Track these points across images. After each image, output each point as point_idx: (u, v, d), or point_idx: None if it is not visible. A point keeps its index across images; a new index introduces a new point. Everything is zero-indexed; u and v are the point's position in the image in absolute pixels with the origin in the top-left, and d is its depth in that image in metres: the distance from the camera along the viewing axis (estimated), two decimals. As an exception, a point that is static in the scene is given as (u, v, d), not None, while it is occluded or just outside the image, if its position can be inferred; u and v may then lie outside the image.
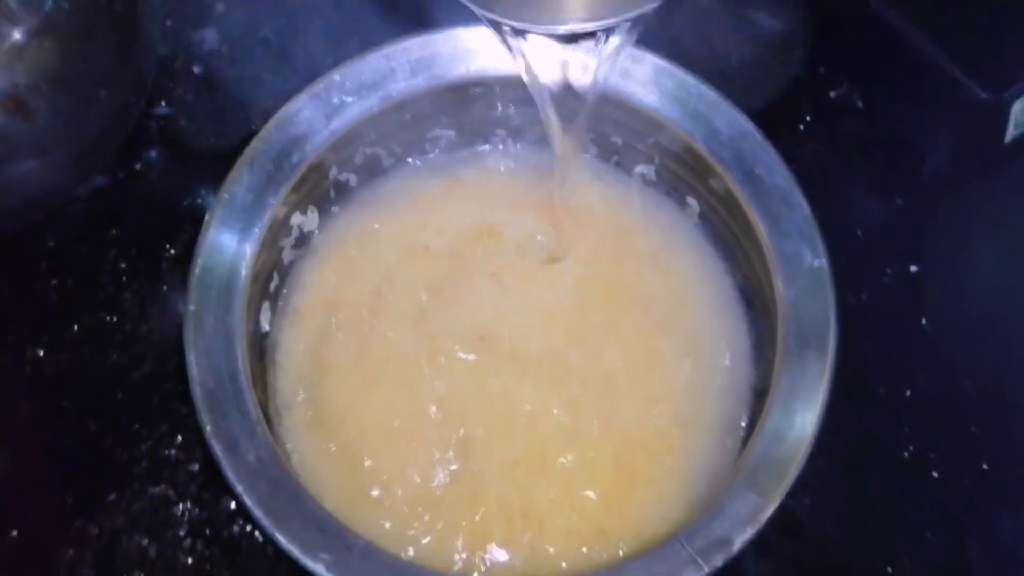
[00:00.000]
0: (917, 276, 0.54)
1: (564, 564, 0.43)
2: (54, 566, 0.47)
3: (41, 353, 0.51)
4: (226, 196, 0.42)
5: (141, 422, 0.50)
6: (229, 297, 0.40)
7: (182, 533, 0.48)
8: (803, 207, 0.43)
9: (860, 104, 0.59)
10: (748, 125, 0.44)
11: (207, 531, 0.48)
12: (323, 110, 0.44)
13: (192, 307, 0.39)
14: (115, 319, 0.52)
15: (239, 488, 0.36)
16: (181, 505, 0.48)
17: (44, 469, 0.49)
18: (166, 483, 0.49)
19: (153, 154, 0.56)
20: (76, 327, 0.52)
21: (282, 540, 0.35)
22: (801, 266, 0.42)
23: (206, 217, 0.42)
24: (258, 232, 0.42)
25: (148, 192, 0.56)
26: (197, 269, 0.40)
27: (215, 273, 0.41)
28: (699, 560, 0.35)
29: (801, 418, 0.39)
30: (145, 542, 0.48)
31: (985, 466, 0.50)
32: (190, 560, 0.47)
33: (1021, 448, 0.50)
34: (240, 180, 0.42)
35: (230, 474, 0.36)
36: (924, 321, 0.53)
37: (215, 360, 0.39)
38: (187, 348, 0.39)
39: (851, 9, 0.62)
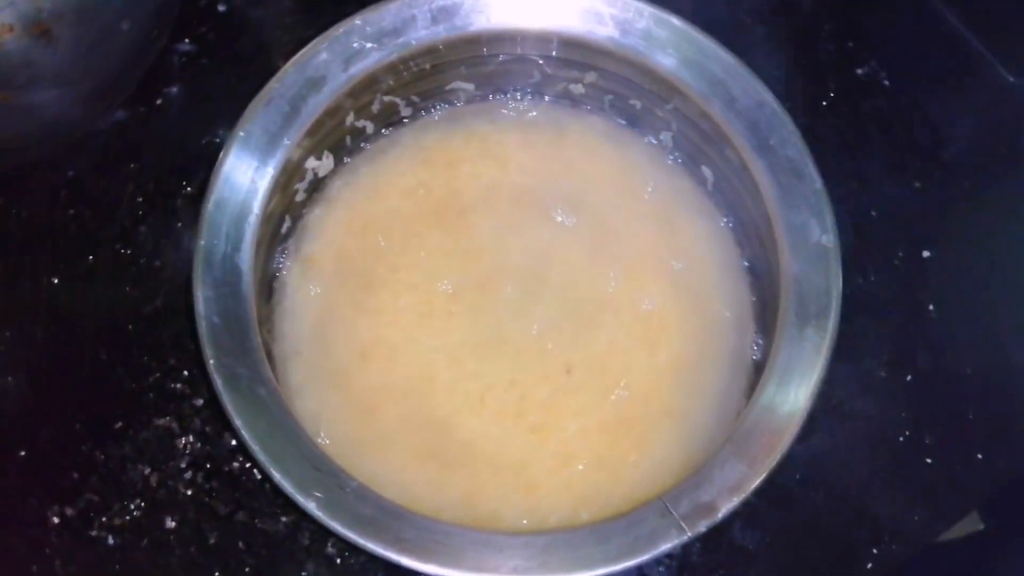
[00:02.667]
0: (928, 261, 0.54)
1: (553, 519, 0.44)
2: (59, 488, 0.48)
3: (56, 281, 0.52)
4: (241, 134, 0.42)
5: (150, 355, 0.51)
6: (239, 235, 0.41)
7: (183, 465, 0.49)
8: (815, 180, 0.43)
9: (886, 82, 0.58)
10: (767, 95, 0.44)
11: (208, 465, 0.49)
12: (342, 54, 0.44)
13: (202, 241, 0.40)
14: (129, 252, 0.53)
15: (238, 422, 0.37)
16: (184, 438, 0.49)
17: (55, 394, 0.50)
18: (171, 416, 0.50)
19: (174, 90, 0.56)
20: (91, 258, 0.53)
21: (276, 476, 0.36)
22: (808, 240, 0.42)
23: (220, 153, 0.42)
24: (272, 172, 0.42)
25: (167, 128, 0.56)
26: (209, 204, 0.41)
27: (226, 210, 0.41)
28: (683, 524, 0.36)
29: (796, 392, 0.39)
30: (147, 471, 0.49)
31: (980, 456, 0.50)
32: (189, 492, 0.49)
33: (1018, 440, 0.50)
34: (256, 119, 0.43)
35: (230, 408, 0.37)
36: (931, 307, 0.53)
37: (222, 296, 0.39)
38: (195, 282, 0.39)
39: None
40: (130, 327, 0.51)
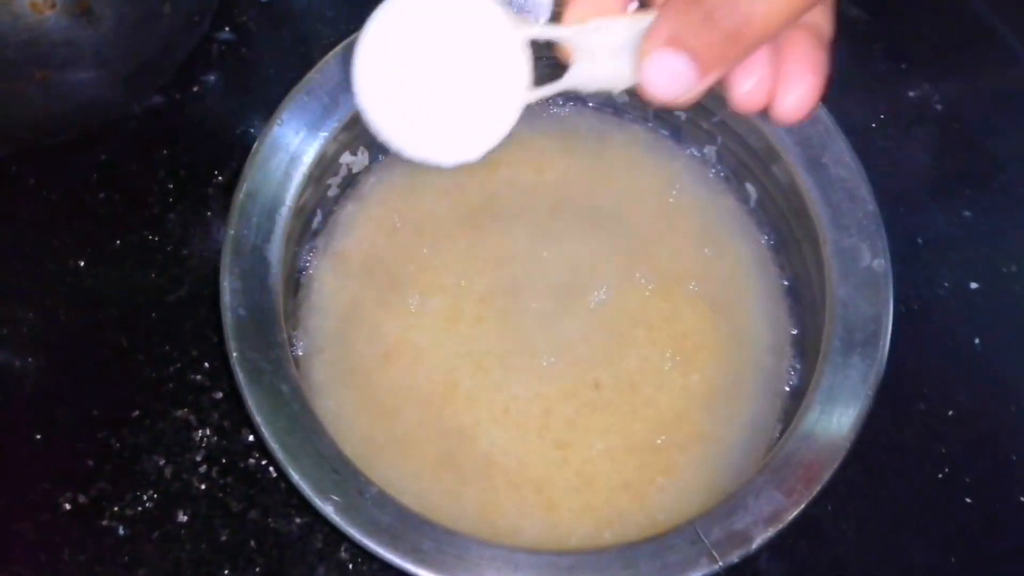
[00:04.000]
0: (975, 293, 0.52)
1: (573, 540, 0.42)
2: (72, 474, 0.47)
3: (82, 264, 0.52)
4: (279, 123, 0.41)
5: (172, 344, 0.50)
6: (270, 226, 0.40)
7: (199, 458, 0.48)
8: (868, 202, 0.41)
9: (938, 107, 0.56)
10: (820, 110, 0.43)
11: (223, 460, 0.48)
12: (385, 49, 0.43)
13: (232, 231, 0.39)
14: (157, 239, 0.52)
15: (258, 418, 0.36)
16: (201, 431, 0.49)
17: (74, 378, 0.50)
18: (189, 407, 0.49)
19: (211, 78, 0.56)
20: (119, 242, 0.52)
21: (294, 476, 0.35)
22: (858, 264, 0.40)
23: (256, 142, 0.41)
24: (306, 164, 0.41)
25: (202, 116, 0.55)
26: (242, 194, 0.40)
27: (258, 200, 0.40)
28: (714, 553, 0.34)
29: (839, 421, 0.38)
30: (162, 463, 0.48)
31: (1022, 499, 0.48)
32: (203, 486, 0.48)
33: (1062, 482, 0.48)
34: (294, 109, 0.42)
35: (250, 403, 0.36)
36: (977, 340, 0.51)
37: (249, 288, 0.38)
38: (222, 272, 0.38)
39: (947, 8, 0.60)
40: (153, 315, 0.51)
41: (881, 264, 0.40)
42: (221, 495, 0.47)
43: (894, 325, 0.51)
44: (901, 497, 0.48)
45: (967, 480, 0.48)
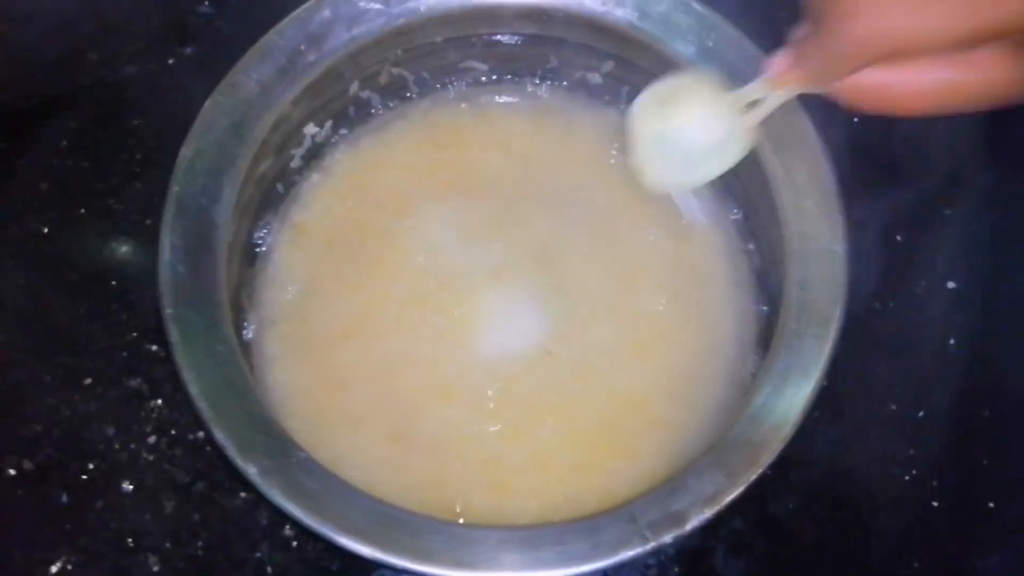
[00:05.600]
0: (952, 293, 0.51)
1: (521, 521, 0.41)
2: (19, 439, 0.46)
3: (46, 230, 0.51)
4: (232, 83, 0.40)
5: (130, 313, 0.49)
6: (218, 186, 0.39)
7: (148, 429, 0.47)
8: (829, 183, 0.40)
9: (924, 103, 0.55)
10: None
11: (173, 431, 0.47)
12: (347, 14, 0.42)
13: (176, 188, 0.38)
14: (122, 208, 0.52)
15: (186, 375, 0.35)
16: (153, 402, 0.48)
17: (28, 343, 0.49)
18: (143, 377, 0.48)
19: (187, 51, 0.55)
20: (83, 210, 0.52)
21: (218, 435, 0.34)
22: (816, 246, 0.39)
23: (208, 100, 0.41)
24: (262, 126, 0.40)
25: (176, 88, 0.55)
26: (189, 150, 0.39)
27: (206, 158, 0.39)
28: (646, 533, 0.33)
29: (787, 403, 0.36)
30: (111, 432, 0.47)
31: (991, 504, 0.47)
32: (151, 457, 0.47)
33: (1033, 489, 0.47)
34: (249, 69, 0.41)
35: (180, 359, 0.35)
36: (952, 341, 0.50)
37: (190, 246, 0.37)
38: (163, 228, 0.37)
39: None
40: (113, 283, 0.50)
41: (839, 245, 0.39)
42: (168, 467, 0.47)
43: (867, 322, 0.50)
44: (866, 499, 0.47)
45: (935, 484, 0.47)
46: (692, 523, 0.33)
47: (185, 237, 0.37)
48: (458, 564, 0.32)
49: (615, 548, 0.33)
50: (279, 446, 0.35)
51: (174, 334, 0.36)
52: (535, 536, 0.34)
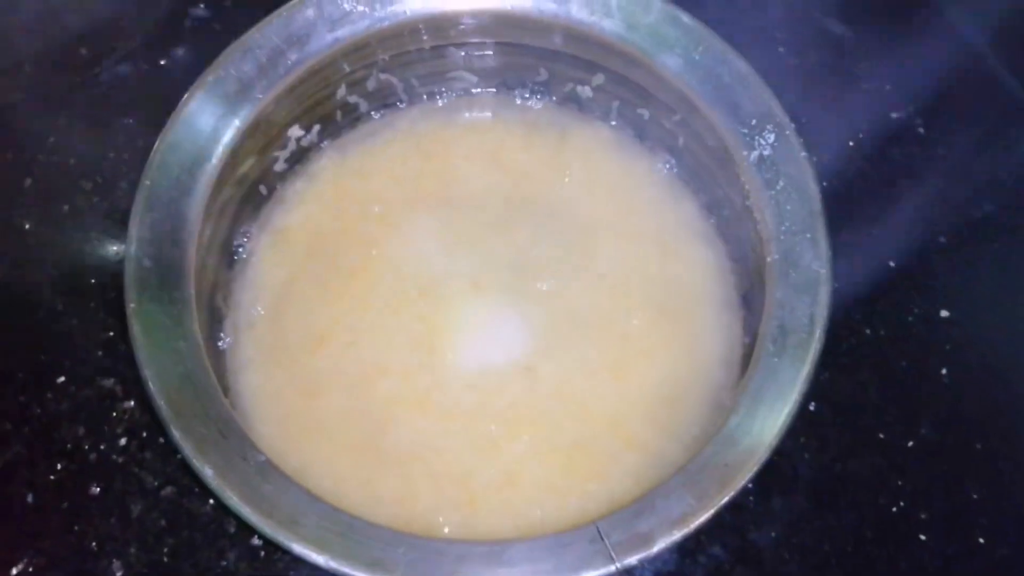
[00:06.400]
0: (945, 322, 0.49)
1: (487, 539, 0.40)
2: (-13, 436, 0.46)
3: (28, 226, 0.51)
4: (211, 78, 0.40)
5: (108, 311, 0.49)
6: (191, 181, 0.38)
7: (119, 431, 0.46)
8: (814, 202, 0.39)
9: (921, 130, 0.54)
10: (775, 105, 0.41)
11: (144, 434, 0.46)
12: (330, 15, 0.42)
13: (147, 181, 0.38)
14: (107, 205, 0.51)
15: (146, 372, 0.34)
16: (125, 403, 0.47)
17: (2, 339, 0.48)
18: (116, 378, 0.47)
19: (180, 52, 0.55)
20: (66, 207, 0.51)
21: (175, 434, 0.33)
22: (798, 265, 0.38)
23: (185, 94, 0.40)
24: (239, 124, 0.40)
25: (167, 89, 0.53)
26: (162, 144, 0.38)
27: (181, 151, 0.39)
28: (612, 553, 0.31)
29: (762, 425, 0.35)
30: (81, 432, 0.46)
31: (981, 540, 0.45)
32: (120, 459, 0.46)
33: None
34: (229, 64, 0.40)
35: (141, 356, 0.34)
36: (944, 371, 0.48)
37: (158, 239, 0.37)
38: (131, 220, 0.37)
39: (937, 32, 0.58)
40: (92, 280, 0.50)
41: (821, 265, 0.38)
42: (137, 470, 0.46)
43: (857, 348, 0.49)
44: (850, 529, 0.45)
45: (923, 516, 0.45)
46: (659, 545, 0.32)
47: (152, 229, 0.37)
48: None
49: (579, 567, 0.32)
50: (239, 448, 0.34)
51: (136, 329, 0.35)
52: (496, 552, 0.32)
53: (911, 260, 0.51)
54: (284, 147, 0.46)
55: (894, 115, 0.55)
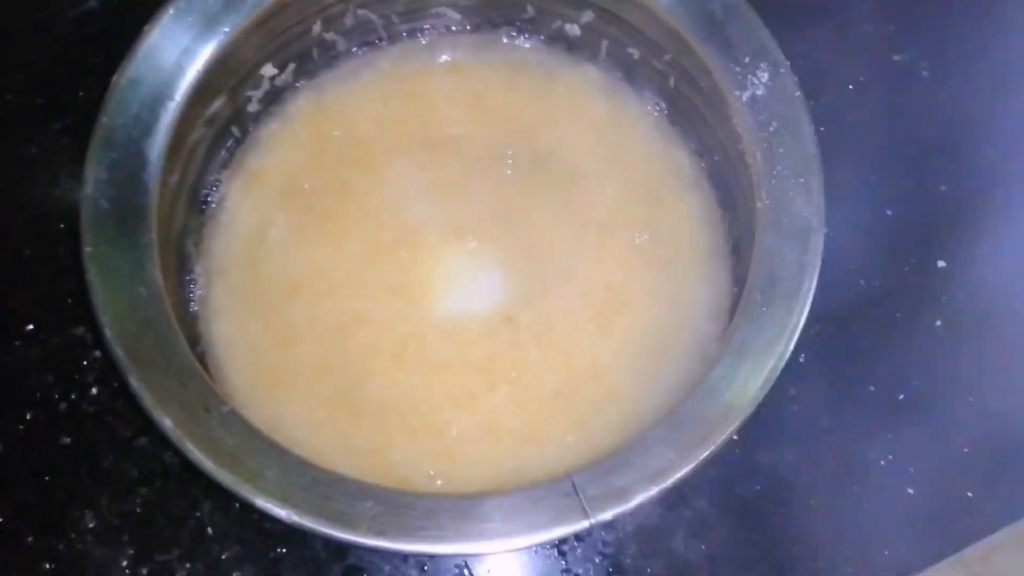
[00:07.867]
0: (942, 272, 0.48)
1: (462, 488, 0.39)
2: (-46, 385, 0.45)
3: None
4: (172, 10, 0.38)
5: (77, 258, 0.47)
6: (152, 118, 0.36)
7: (90, 380, 0.45)
8: (809, 144, 0.37)
9: (925, 73, 0.52)
10: (770, 41, 0.38)
11: (116, 383, 0.45)
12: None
13: (104, 119, 0.36)
14: (76, 147, 0.49)
15: (101, 319, 0.33)
16: (97, 351, 0.46)
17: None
18: (87, 326, 0.46)
19: (151, -13, 0.53)
20: (34, 149, 0.50)
21: (133, 384, 0.32)
22: (789, 212, 0.36)
23: (144, 27, 0.38)
24: (204, 59, 0.38)
25: (141, 27, 0.52)
26: (121, 79, 0.36)
27: (141, 89, 0.37)
28: (586, 507, 0.30)
29: (746, 378, 0.34)
30: (51, 380, 0.45)
31: (970, 494, 0.44)
32: (92, 409, 0.45)
33: (1014, 481, 0.44)
34: (191, -2, 0.38)
35: (95, 301, 0.33)
36: (939, 323, 0.47)
37: (117, 180, 0.35)
38: (88, 160, 0.35)
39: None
40: (62, 226, 0.48)
41: (813, 213, 0.36)
42: (109, 419, 0.45)
43: (851, 299, 0.47)
44: (838, 482, 0.44)
45: (912, 470, 0.44)
46: (636, 499, 0.31)
47: (111, 170, 0.35)
48: (381, 533, 0.30)
49: (552, 522, 0.31)
50: (202, 399, 0.32)
51: (92, 273, 0.33)
52: (466, 506, 0.31)
53: (909, 208, 0.49)
54: (257, 87, 0.44)
55: (896, 57, 0.52)
